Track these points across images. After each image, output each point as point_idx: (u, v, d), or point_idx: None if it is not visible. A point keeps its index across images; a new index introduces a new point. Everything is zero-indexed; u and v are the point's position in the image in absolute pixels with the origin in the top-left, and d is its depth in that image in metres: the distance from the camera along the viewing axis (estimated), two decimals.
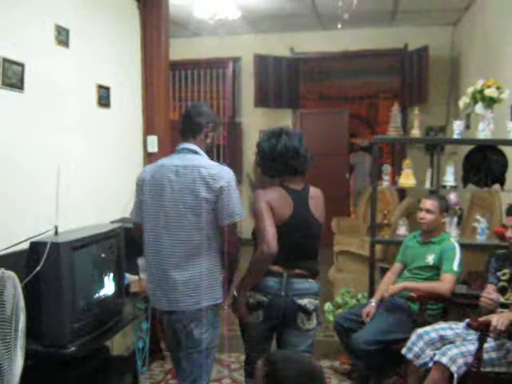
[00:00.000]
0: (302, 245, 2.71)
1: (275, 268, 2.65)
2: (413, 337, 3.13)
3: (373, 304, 3.66)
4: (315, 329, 2.77)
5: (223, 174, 2.56)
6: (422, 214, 3.66)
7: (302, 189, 2.76)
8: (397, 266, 3.84)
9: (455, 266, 3.47)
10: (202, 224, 2.53)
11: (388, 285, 3.69)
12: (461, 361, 2.83)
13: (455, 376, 2.81)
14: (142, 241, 2.69)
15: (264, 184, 2.89)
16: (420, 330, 3.15)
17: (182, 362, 2.63)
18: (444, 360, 2.86)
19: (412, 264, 3.68)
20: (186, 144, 2.66)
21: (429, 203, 3.64)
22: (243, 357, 3.35)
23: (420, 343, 3.07)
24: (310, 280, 2.73)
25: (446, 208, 3.68)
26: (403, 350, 3.13)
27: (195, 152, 2.63)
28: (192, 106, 2.83)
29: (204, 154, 2.67)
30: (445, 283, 3.46)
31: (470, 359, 2.84)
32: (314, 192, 2.81)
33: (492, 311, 2.96)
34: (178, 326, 2.58)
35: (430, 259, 3.56)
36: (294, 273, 2.68)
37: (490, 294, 3.01)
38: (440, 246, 3.58)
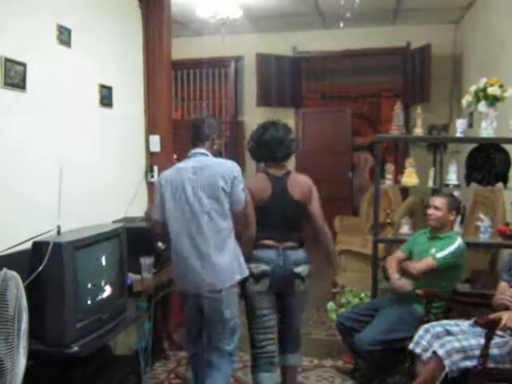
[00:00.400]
0: (284, 221, 3.17)
1: (269, 242, 3.13)
2: (419, 331, 3.15)
3: (397, 277, 3.65)
4: (307, 291, 3.26)
5: (233, 167, 2.99)
6: (430, 211, 3.67)
7: (282, 175, 3.22)
8: (400, 254, 3.84)
9: (439, 254, 3.48)
10: (225, 211, 2.92)
11: (394, 269, 3.72)
12: (457, 356, 2.86)
13: (446, 369, 2.84)
14: (166, 236, 3.04)
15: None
16: (426, 325, 3.18)
17: (211, 339, 2.97)
18: (440, 352, 2.89)
19: (417, 258, 3.67)
20: (197, 149, 3.05)
21: (438, 200, 3.65)
22: (247, 356, 3.45)
23: (427, 336, 3.09)
24: (300, 250, 3.20)
25: (454, 206, 3.66)
26: (410, 345, 3.14)
27: (206, 154, 3.04)
28: (199, 118, 3.20)
29: (211, 156, 3.06)
30: (418, 263, 3.55)
31: (470, 353, 2.85)
32: (295, 177, 3.25)
33: (507, 308, 2.96)
34: (208, 307, 2.91)
35: (433, 252, 3.55)
36: (287, 246, 3.14)
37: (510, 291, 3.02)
38: (444, 240, 3.58)
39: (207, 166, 2.94)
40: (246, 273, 3.01)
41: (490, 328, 2.81)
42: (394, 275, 3.69)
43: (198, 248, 2.88)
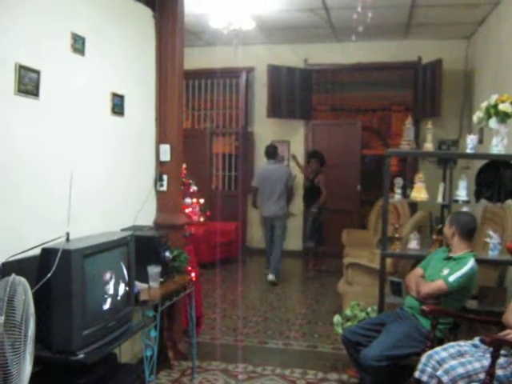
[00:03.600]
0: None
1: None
2: (423, 359, 3.08)
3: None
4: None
5: (287, 169, 7.80)
6: None
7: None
8: (419, 270, 3.82)
9: (451, 278, 3.45)
10: (284, 185, 7.26)
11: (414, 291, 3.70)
12: (462, 382, 2.82)
13: None
14: (258, 194, 7.44)
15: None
16: (429, 351, 3.12)
17: (275, 234, 7.34)
18: (445, 379, 2.85)
19: (431, 276, 3.65)
20: (272, 160, 7.34)
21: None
22: (251, 367, 3.44)
23: (432, 362, 3.03)
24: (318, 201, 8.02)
25: (453, 221, 3.66)
26: (416, 374, 3.06)
27: (275, 163, 7.37)
28: (274, 146, 7.56)
29: (277, 163, 7.59)
30: (427, 285, 3.55)
31: (475, 378, 2.81)
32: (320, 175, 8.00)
33: None
34: (275, 222, 7.30)
35: (446, 272, 3.53)
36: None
37: None
38: (458, 262, 3.57)
39: (277, 169, 7.31)
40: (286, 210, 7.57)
41: (497, 346, 2.78)
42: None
43: (273, 199, 7.15)
